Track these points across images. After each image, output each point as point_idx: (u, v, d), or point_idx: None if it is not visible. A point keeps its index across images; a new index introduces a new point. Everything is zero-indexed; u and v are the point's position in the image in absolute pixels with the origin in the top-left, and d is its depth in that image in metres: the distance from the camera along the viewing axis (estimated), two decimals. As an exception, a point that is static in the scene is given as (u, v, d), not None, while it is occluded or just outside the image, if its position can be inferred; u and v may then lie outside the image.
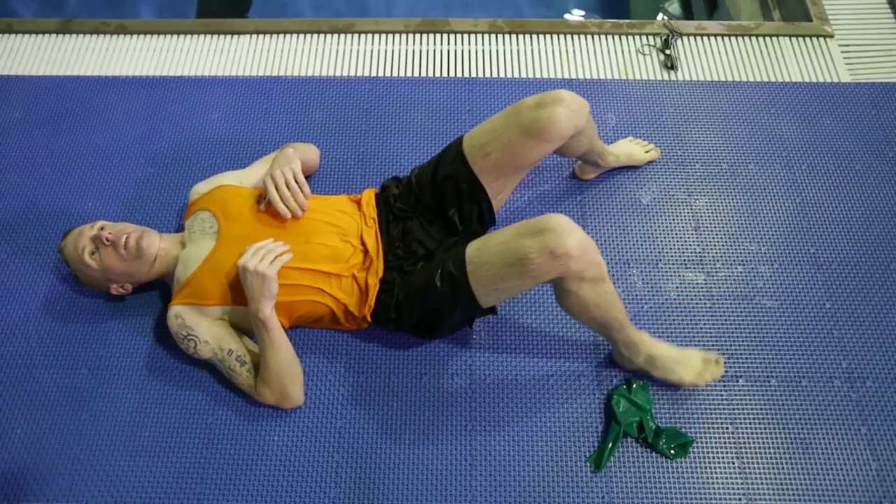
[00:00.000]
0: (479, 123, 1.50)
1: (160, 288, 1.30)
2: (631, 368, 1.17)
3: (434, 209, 1.22)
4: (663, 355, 1.13)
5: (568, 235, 0.93)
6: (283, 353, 1.10)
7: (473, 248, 1.04)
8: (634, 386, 1.16)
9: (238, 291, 1.11)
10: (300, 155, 1.28)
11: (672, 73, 1.65)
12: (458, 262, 1.04)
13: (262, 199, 1.19)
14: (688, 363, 1.14)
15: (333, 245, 1.15)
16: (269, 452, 1.14)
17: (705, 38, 1.71)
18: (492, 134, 1.13)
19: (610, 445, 1.12)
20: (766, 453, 1.14)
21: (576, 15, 2.27)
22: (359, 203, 1.24)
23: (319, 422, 1.17)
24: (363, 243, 1.16)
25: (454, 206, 1.20)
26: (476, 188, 1.17)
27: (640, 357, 1.13)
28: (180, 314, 1.12)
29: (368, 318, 1.15)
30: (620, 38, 1.71)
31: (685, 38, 1.71)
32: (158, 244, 1.18)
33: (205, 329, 1.12)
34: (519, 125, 1.09)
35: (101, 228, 1.16)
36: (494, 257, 0.99)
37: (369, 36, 1.72)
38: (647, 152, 1.46)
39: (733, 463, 1.13)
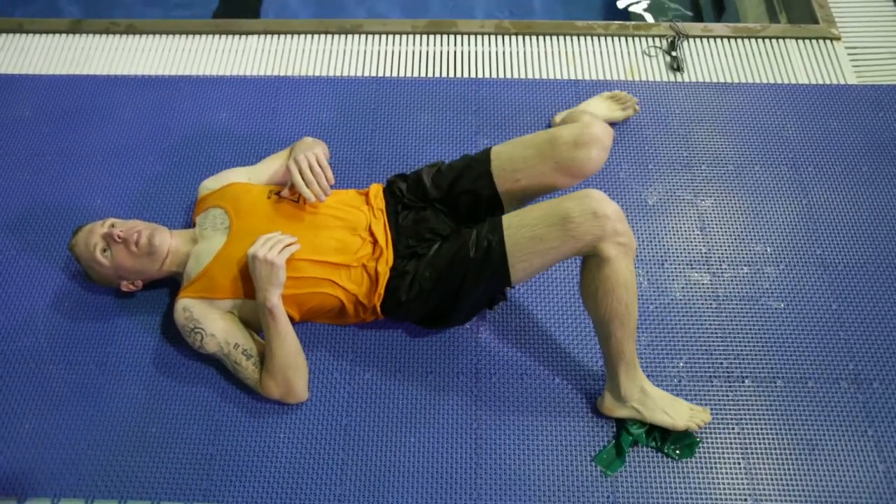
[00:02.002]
0: (488, 125, 1.54)
1: (169, 285, 1.31)
2: (620, 416, 1.13)
3: (443, 208, 1.23)
4: (657, 393, 1.12)
5: (606, 202, 1.01)
6: (289, 345, 1.10)
7: (511, 216, 1.07)
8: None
9: (248, 285, 1.12)
10: None
11: (678, 74, 1.65)
12: (494, 227, 1.07)
13: (278, 191, 1.20)
14: (678, 408, 1.12)
15: (343, 238, 1.15)
16: (275, 449, 1.14)
17: (711, 40, 1.72)
18: (525, 162, 1.14)
19: (622, 454, 1.12)
20: (772, 454, 1.13)
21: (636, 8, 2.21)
22: (366, 196, 1.25)
23: (325, 419, 1.17)
24: (372, 234, 1.17)
25: (466, 213, 1.21)
26: (496, 205, 1.18)
27: (636, 388, 1.10)
28: (188, 307, 1.13)
29: (378, 309, 1.16)
30: (626, 40, 1.72)
31: (691, 40, 1.72)
32: (169, 241, 1.19)
33: (212, 322, 1.12)
34: (554, 161, 1.11)
35: (112, 226, 1.17)
36: (534, 220, 1.03)
37: (376, 37, 1.73)
38: (623, 109, 1.51)
39: (739, 463, 1.12)
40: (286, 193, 1.18)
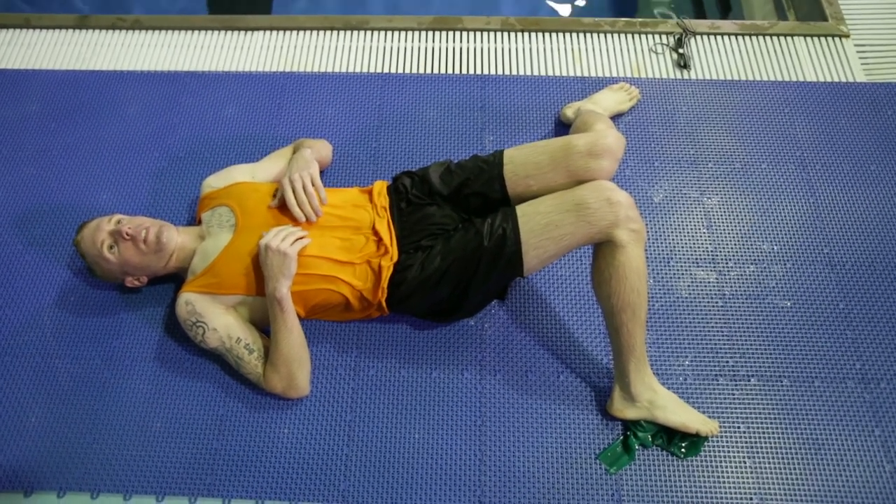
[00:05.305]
0: (494, 121, 1.53)
1: (174, 280, 1.31)
2: (630, 417, 1.12)
3: (449, 205, 1.23)
4: (666, 394, 1.12)
5: (619, 190, 1.05)
6: (295, 337, 1.11)
7: (524, 205, 1.10)
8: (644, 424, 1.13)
9: (253, 281, 1.12)
10: (315, 155, 1.29)
11: (685, 71, 1.64)
12: (507, 216, 1.09)
13: (277, 192, 1.20)
14: (690, 411, 1.12)
15: (347, 237, 1.16)
16: (279, 445, 1.14)
17: (719, 38, 1.71)
18: (537, 168, 1.15)
19: (626, 456, 1.12)
20: (778, 453, 1.13)
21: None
22: (370, 194, 1.25)
23: (330, 415, 1.17)
24: (376, 233, 1.17)
25: (473, 211, 1.21)
26: (504, 206, 1.18)
27: (646, 386, 1.10)
28: (191, 301, 1.13)
29: (383, 304, 1.16)
30: (633, 37, 1.71)
31: (698, 37, 1.71)
32: (177, 238, 1.19)
33: (215, 317, 1.13)
34: (567, 169, 1.13)
35: (119, 222, 1.18)
36: (549, 207, 1.06)
37: (382, 33, 1.73)
38: (630, 99, 1.53)
39: (745, 463, 1.12)
40: (275, 203, 1.18)
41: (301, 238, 1.11)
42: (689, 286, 1.30)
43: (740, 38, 1.70)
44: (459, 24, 1.73)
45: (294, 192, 1.15)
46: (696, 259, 1.34)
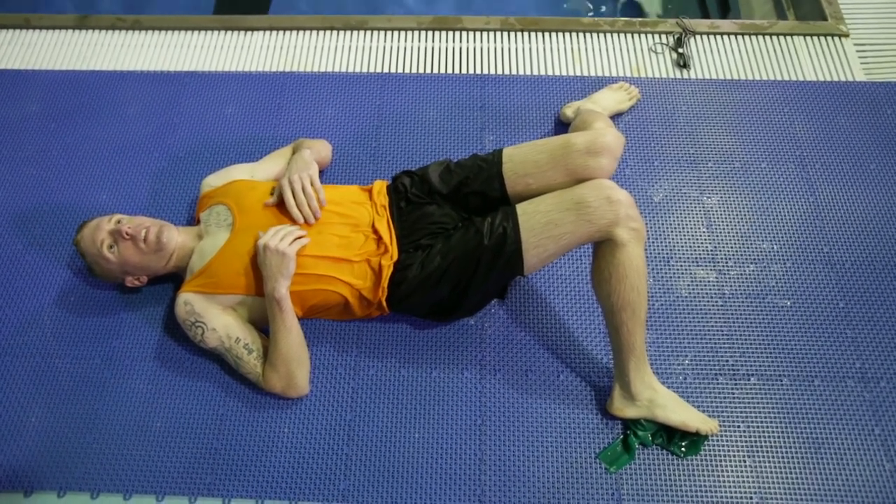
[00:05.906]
0: (493, 121, 1.53)
1: (173, 280, 1.31)
2: (630, 416, 1.12)
3: (448, 204, 1.23)
4: (666, 393, 1.12)
5: (618, 189, 1.05)
6: (294, 337, 1.11)
7: (524, 203, 1.10)
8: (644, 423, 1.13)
9: (251, 280, 1.13)
10: (315, 156, 1.29)
11: (685, 71, 1.64)
12: (508, 214, 1.09)
13: (275, 190, 1.20)
14: (690, 410, 1.12)
15: (345, 235, 1.16)
16: (279, 444, 1.15)
17: (718, 37, 1.71)
18: (537, 167, 1.15)
19: (626, 455, 1.12)
20: (778, 453, 1.13)
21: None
22: (370, 193, 1.25)
23: (329, 414, 1.17)
24: (375, 231, 1.17)
25: (472, 210, 1.21)
26: (504, 205, 1.18)
27: (645, 385, 1.10)
28: (189, 301, 1.13)
29: (384, 303, 1.16)
30: (633, 36, 1.71)
31: (698, 37, 1.71)
32: (177, 238, 1.20)
33: (213, 317, 1.13)
34: (566, 169, 1.13)
35: (119, 222, 1.18)
36: (549, 206, 1.07)
37: (382, 33, 1.73)
38: (630, 99, 1.53)
39: (745, 462, 1.12)
40: (273, 202, 1.18)
41: (300, 237, 1.11)
42: (689, 286, 1.30)
43: (740, 37, 1.70)
44: (459, 24, 1.73)
45: (293, 193, 1.15)
46: (696, 259, 1.34)
